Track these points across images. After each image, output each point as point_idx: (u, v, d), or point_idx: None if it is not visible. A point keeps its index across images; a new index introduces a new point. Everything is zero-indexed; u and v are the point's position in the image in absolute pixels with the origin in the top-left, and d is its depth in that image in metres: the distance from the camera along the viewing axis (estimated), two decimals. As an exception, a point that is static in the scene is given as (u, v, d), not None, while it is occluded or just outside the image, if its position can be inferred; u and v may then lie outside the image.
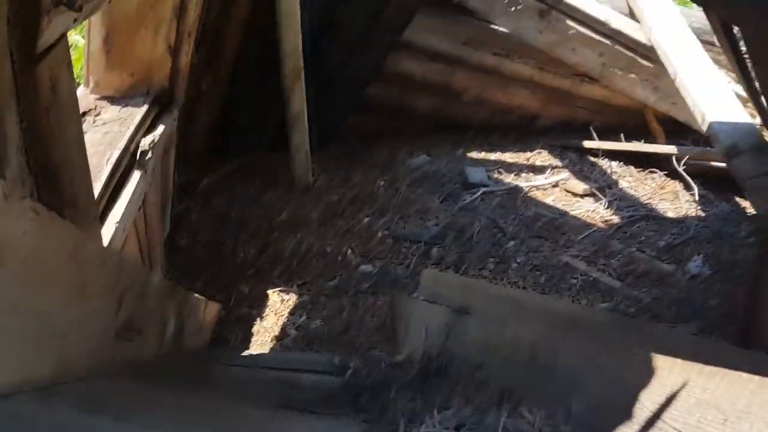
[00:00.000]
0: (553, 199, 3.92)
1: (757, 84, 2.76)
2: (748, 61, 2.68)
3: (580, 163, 4.14)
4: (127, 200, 2.21)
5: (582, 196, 3.89)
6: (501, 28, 3.77)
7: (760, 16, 1.97)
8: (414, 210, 3.81)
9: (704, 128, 3.08)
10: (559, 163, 4.15)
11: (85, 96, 2.60)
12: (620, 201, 3.77)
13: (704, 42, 3.40)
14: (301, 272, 3.44)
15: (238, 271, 3.47)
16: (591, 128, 4.07)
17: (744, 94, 3.08)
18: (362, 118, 4.26)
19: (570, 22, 3.64)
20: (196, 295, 2.86)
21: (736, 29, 2.56)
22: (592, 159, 4.13)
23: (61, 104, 1.36)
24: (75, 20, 1.35)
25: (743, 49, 2.67)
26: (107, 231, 2.04)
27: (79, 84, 2.73)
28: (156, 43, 2.46)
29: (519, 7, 3.57)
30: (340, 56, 3.70)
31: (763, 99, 2.83)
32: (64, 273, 1.17)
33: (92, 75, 2.57)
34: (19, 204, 0.97)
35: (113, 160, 2.24)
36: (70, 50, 1.49)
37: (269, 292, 3.32)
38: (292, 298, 3.30)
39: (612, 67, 3.81)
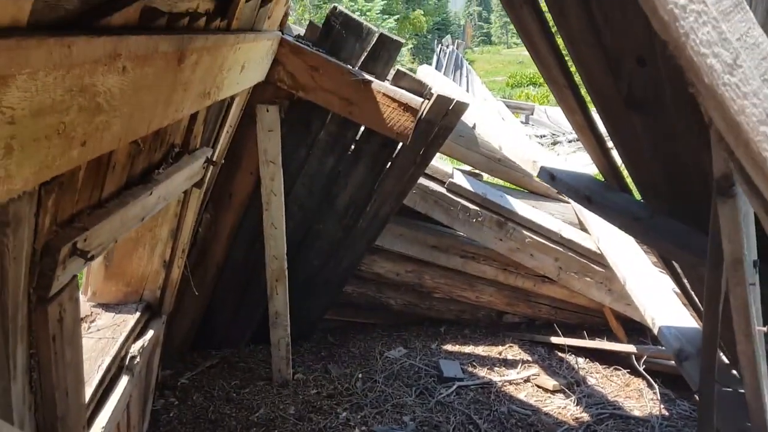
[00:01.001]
0: (525, 394, 4.05)
1: (693, 294, 3.07)
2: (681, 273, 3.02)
3: (549, 359, 4.33)
4: (114, 405, 2.36)
5: (553, 392, 4.02)
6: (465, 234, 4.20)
7: (686, 261, 2.30)
8: (390, 405, 3.91)
9: (655, 331, 3.34)
10: (530, 358, 4.34)
11: (82, 303, 2.86)
12: (588, 398, 3.90)
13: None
14: (276, 473, 3.45)
15: (212, 472, 3.48)
16: (555, 325, 4.33)
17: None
18: (340, 313, 4.51)
19: (526, 232, 4.08)
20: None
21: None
22: (560, 354, 4.33)
23: (65, 333, 1.61)
24: (85, 263, 1.64)
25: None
26: (93, 435, 2.17)
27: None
28: (152, 259, 2.78)
29: (479, 219, 4.02)
30: (318, 260, 4.05)
31: (699, 303, 3.12)
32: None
33: (91, 285, 2.86)
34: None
35: (104, 366, 2.43)
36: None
37: (242, 494, 3.31)
38: (265, 502, 3.28)
39: (568, 271, 4.18)
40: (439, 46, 28.13)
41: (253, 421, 3.76)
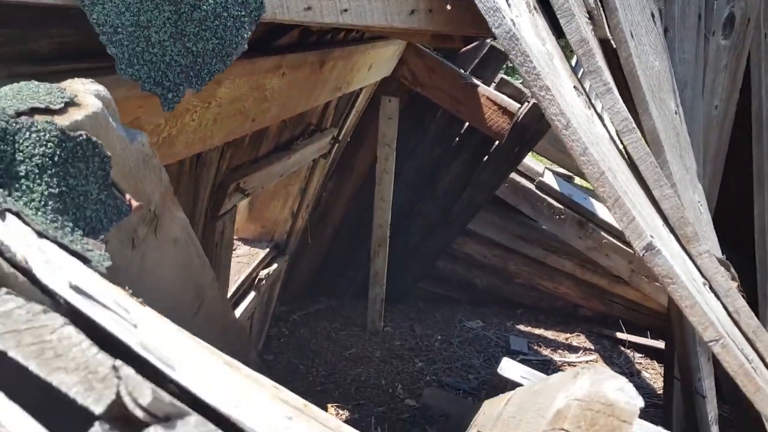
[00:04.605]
0: (583, 378, 4.52)
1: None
2: None
3: (611, 351, 4.75)
4: (242, 311, 3.21)
5: (608, 379, 4.46)
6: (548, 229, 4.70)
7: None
8: (460, 364, 4.55)
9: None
10: (592, 347, 4.78)
11: (228, 236, 3.76)
12: (638, 389, 4.29)
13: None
14: (357, 396, 4.22)
15: (308, 387, 4.31)
16: (620, 321, 4.73)
17: None
18: (432, 285, 5.18)
19: (604, 233, 4.50)
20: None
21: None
22: (622, 349, 4.74)
23: (225, 242, 2.42)
24: (243, 197, 2.44)
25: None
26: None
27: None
28: (284, 209, 3.60)
29: (562, 216, 4.50)
30: (417, 234, 4.74)
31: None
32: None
33: (237, 223, 3.74)
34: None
35: (238, 282, 3.29)
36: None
37: (328, 405, 4.11)
38: (345, 414, 4.06)
39: (640, 274, 4.55)
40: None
41: (345, 356, 4.55)
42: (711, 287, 1.43)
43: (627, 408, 0.87)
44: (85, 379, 0.49)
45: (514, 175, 4.49)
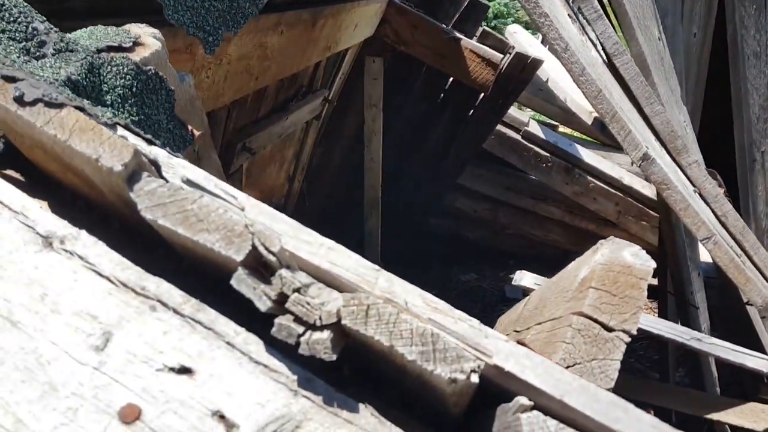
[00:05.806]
0: (578, 319, 4.71)
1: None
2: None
3: (604, 291, 4.95)
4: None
5: (602, 318, 4.66)
6: (535, 178, 4.84)
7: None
8: (459, 315, 4.72)
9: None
10: (586, 290, 4.98)
11: (228, 203, 3.84)
12: (631, 323, 4.51)
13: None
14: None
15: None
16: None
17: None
18: (424, 241, 5.32)
19: (590, 178, 4.66)
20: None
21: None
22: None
23: (234, 201, 2.51)
24: (248, 157, 2.53)
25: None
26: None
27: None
28: (280, 173, 3.69)
29: (549, 164, 4.64)
30: (407, 192, 4.85)
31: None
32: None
33: (236, 190, 3.82)
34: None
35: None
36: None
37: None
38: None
39: (626, 215, 4.73)
40: None
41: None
42: (700, 195, 1.58)
43: (642, 268, 1.02)
44: (225, 236, 0.60)
45: (499, 127, 4.61)
